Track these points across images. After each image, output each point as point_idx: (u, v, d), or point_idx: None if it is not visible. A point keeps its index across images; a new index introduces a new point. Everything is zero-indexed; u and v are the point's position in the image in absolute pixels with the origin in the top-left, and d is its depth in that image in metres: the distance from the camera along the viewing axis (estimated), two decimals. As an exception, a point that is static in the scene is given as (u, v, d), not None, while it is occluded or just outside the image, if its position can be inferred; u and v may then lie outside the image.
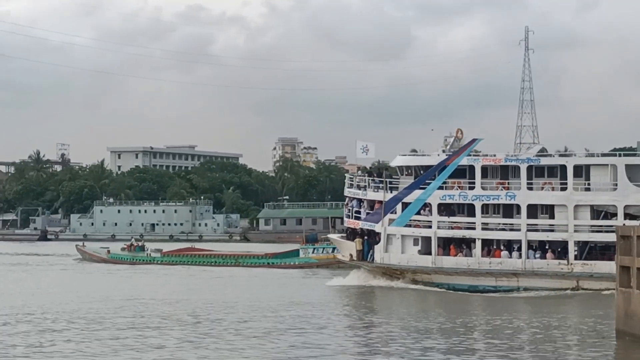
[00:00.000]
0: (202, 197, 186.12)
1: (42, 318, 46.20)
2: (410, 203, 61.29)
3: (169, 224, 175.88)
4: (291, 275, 76.42)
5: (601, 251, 58.23)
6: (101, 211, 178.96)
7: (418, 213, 61.21)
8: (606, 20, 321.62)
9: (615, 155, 60.88)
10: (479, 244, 59.57)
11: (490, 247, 59.78)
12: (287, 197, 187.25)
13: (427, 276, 60.82)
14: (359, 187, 64.26)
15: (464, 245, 60.48)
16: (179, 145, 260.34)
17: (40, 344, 38.26)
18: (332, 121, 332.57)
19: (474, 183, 60.07)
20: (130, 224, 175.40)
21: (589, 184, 58.24)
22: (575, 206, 57.78)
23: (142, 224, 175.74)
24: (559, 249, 58.60)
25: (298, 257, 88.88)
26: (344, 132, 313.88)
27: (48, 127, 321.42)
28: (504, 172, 60.28)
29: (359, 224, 63.41)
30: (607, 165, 58.28)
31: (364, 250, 62.90)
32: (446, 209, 61.00)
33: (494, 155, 61.81)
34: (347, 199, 65.60)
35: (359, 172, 73.64)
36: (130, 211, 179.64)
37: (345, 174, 69.76)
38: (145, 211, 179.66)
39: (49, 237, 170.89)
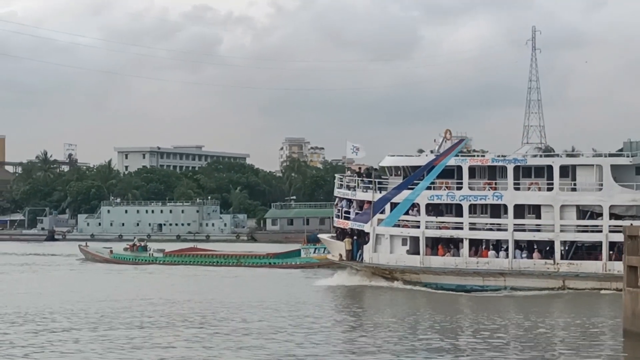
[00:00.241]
0: (209, 197, 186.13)
1: (50, 318, 46.77)
2: (398, 203, 61.75)
3: (176, 224, 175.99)
4: (290, 276, 76.60)
5: (587, 251, 58.66)
6: (108, 211, 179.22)
7: (406, 213, 61.67)
8: (612, 20, 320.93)
9: (600, 155, 61.05)
10: (466, 244, 60.00)
11: (477, 247, 60.20)
12: (294, 197, 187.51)
13: (415, 276, 61.24)
14: (348, 188, 64.75)
15: (451, 245, 60.92)
16: (186, 145, 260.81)
17: (50, 343, 38.88)
18: (338, 121, 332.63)
19: (461, 183, 60.49)
20: (138, 224, 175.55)
21: (575, 184, 58.61)
22: (561, 206, 58.18)
23: (150, 224, 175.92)
24: (547, 249, 58.95)
25: (299, 257, 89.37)
26: (350, 132, 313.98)
27: (55, 128, 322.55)
28: (492, 173, 60.69)
29: (348, 224, 63.91)
30: (593, 165, 58.64)
31: (354, 250, 63.39)
32: (434, 209, 61.44)
33: (483, 156, 62.25)
34: (336, 199, 66.12)
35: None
36: (138, 211, 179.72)
37: (335, 175, 70.13)
38: (153, 211, 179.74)
39: (56, 237, 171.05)
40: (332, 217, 68.72)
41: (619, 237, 56.81)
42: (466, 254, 59.86)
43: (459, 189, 60.48)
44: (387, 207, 62.03)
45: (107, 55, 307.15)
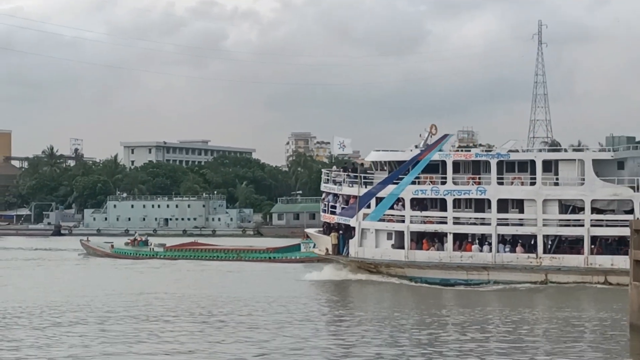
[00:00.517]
0: (215, 192, 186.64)
1: (56, 312, 47.15)
2: (384, 198, 62.23)
3: (182, 219, 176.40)
4: (288, 270, 76.97)
5: (570, 245, 59.02)
6: (115, 206, 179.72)
7: (391, 208, 62.12)
8: (618, 15, 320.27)
9: (582, 150, 61.47)
10: (450, 238, 60.43)
11: (462, 242, 60.62)
12: (300, 192, 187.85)
13: (400, 270, 61.71)
14: (334, 182, 65.27)
15: (436, 239, 61.35)
16: (192, 140, 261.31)
17: (57, 337, 39.20)
18: (344, 116, 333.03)
19: (445, 178, 60.92)
20: (144, 219, 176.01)
21: (557, 179, 58.97)
22: (543, 200, 58.54)
23: (156, 219, 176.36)
24: (531, 243, 59.30)
25: (299, 252, 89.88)
26: (356, 127, 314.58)
27: (61, 122, 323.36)
28: (476, 167, 61.12)
29: (335, 219, 64.42)
30: (575, 160, 59.05)
31: (340, 244, 63.90)
32: (419, 204, 61.87)
33: (469, 150, 62.66)
34: (323, 194, 66.64)
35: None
36: (144, 206, 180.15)
37: (322, 170, 70.68)
38: (159, 206, 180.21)
39: (62, 232, 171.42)
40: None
41: (600, 232, 57.57)
42: (450, 249, 60.32)
43: (443, 183, 60.92)
44: (373, 201, 62.54)
45: (112, 50, 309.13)
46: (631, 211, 56.56)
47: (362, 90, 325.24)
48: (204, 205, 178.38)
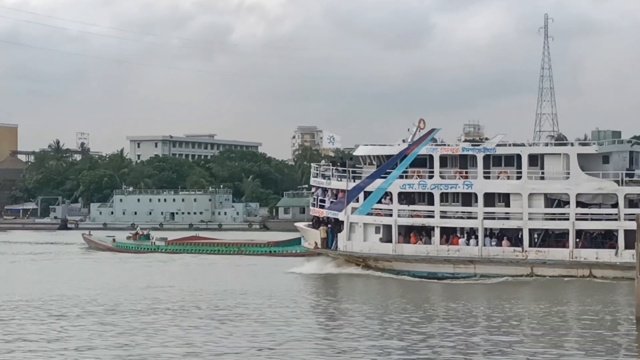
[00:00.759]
0: (221, 186, 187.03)
1: (62, 306, 47.64)
2: (372, 192, 62.65)
3: (189, 213, 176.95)
4: (284, 264, 77.27)
5: (556, 239, 59.36)
6: (121, 200, 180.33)
7: (379, 202, 62.57)
8: (624, 8, 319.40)
9: (567, 144, 61.79)
10: (437, 231, 60.83)
11: (449, 235, 61.01)
12: (306, 186, 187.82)
13: (388, 263, 62.16)
14: (323, 177, 65.75)
15: (423, 233, 61.76)
16: (198, 134, 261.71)
17: (64, 330, 39.63)
18: (350, 110, 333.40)
19: (433, 172, 61.30)
20: (150, 213, 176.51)
21: (543, 173, 59.29)
22: (529, 194, 58.87)
23: (162, 213, 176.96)
24: (517, 236, 59.65)
25: (300, 246, 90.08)
26: (362, 121, 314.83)
27: (67, 117, 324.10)
28: (463, 162, 61.47)
29: (323, 213, 64.90)
30: (560, 154, 59.37)
31: (328, 238, 64.38)
32: (406, 198, 62.29)
33: (456, 145, 63.05)
34: (312, 188, 67.11)
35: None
36: (150, 200, 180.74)
37: (312, 164, 71.16)
38: (165, 200, 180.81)
39: (69, 226, 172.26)
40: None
41: (585, 225, 57.91)
42: (437, 242, 60.72)
43: (431, 177, 61.32)
44: (361, 195, 63.00)
45: (119, 45, 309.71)
46: (616, 205, 56.90)
47: (367, 83, 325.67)
48: (210, 199, 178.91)
